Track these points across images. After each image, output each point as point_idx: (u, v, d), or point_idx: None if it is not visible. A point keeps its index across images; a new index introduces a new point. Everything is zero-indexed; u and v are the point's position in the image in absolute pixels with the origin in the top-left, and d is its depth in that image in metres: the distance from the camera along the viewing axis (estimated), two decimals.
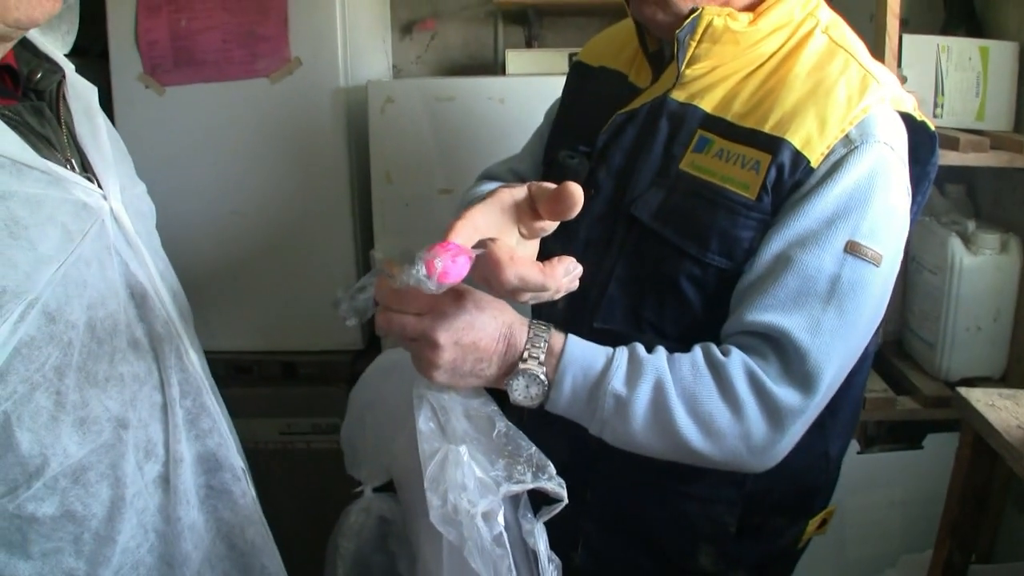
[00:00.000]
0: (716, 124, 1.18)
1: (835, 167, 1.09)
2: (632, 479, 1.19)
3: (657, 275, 1.19)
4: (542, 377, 1.01)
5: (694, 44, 1.17)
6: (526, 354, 1.01)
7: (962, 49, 2.08)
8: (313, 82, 2.25)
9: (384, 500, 1.34)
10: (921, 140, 1.18)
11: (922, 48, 2.07)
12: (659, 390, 1.03)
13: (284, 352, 2.38)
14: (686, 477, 1.09)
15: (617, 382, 1.03)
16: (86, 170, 1.08)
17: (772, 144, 1.11)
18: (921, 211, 1.24)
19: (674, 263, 1.17)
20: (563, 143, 1.37)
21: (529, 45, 2.79)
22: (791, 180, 1.11)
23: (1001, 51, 2.09)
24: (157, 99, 2.29)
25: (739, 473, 1.13)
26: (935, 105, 2.09)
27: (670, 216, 1.17)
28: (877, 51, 1.93)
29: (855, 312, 1.08)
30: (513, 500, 0.95)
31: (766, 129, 1.13)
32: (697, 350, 1.07)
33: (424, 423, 0.96)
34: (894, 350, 2.29)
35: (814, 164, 1.10)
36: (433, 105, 2.18)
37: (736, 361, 1.05)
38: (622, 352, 1.05)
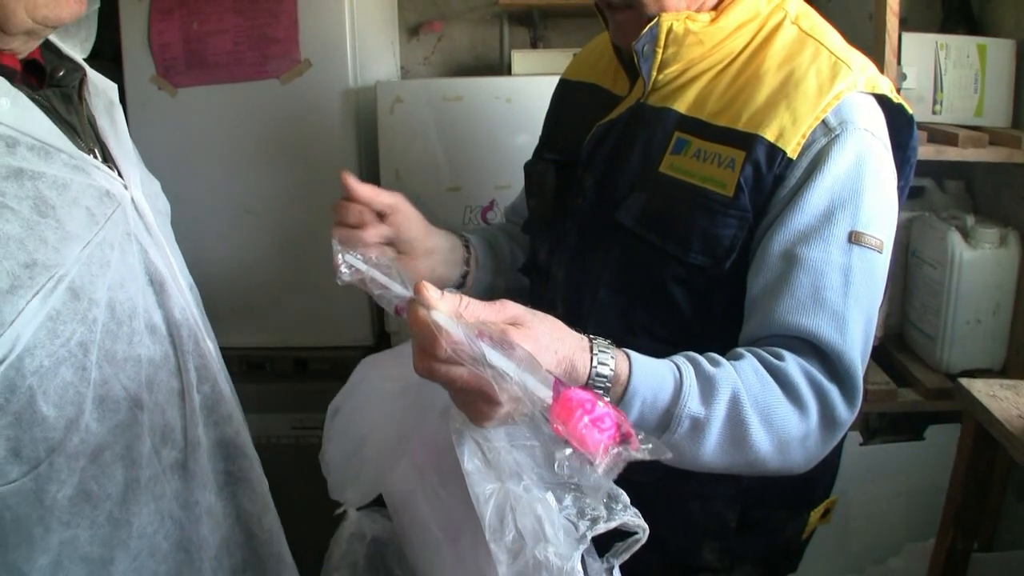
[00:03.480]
0: (692, 124, 1.17)
1: (819, 158, 1.08)
2: (632, 478, 1.16)
3: (645, 278, 1.18)
4: None
5: (660, 51, 1.16)
6: (590, 384, 0.91)
7: (960, 47, 2.09)
8: (323, 83, 2.25)
9: (374, 519, 1.29)
10: (899, 123, 1.17)
11: (921, 46, 2.07)
12: (734, 405, 0.98)
13: (296, 348, 2.38)
14: (684, 474, 1.05)
15: (692, 403, 0.97)
16: (106, 160, 1.11)
17: (745, 141, 1.10)
18: (906, 196, 1.23)
19: (660, 266, 1.16)
20: (543, 154, 1.40)
21: (534, 46, 2.79)
22: (771, 174, 1.10)
23: (998, 48, 2.10)
24: (170, 100, 2.30)
25: None
26: (934, 102, 2.09)
27: (653, 219, 1.17)
28: (877, 49, 1.93)
29: (868, 301, 1.08)
30: None
31: (739, 126, 1.12)
32: (750, 356, 1.04)
33: (469, 461, 0.85)
34: (895, 343, 2.30)
35: (792, 155, 1.09)
36: (441, 105, 2.18)
37: (792, 363, 1.03)
38: (687, 367, 0.99)
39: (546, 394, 0.78)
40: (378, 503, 1.26)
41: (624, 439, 0.77)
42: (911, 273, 2.22)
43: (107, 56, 2.36)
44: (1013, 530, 2.11)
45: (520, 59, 2.61)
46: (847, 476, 2.07)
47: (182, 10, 2.26)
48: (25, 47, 1.03)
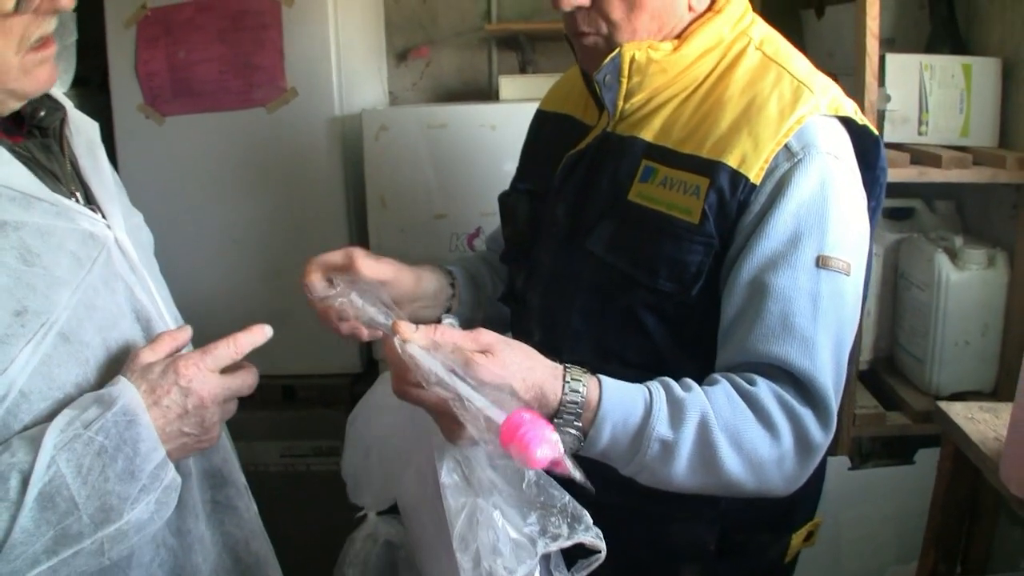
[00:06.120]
0: (658, 152, 1.21)
1: (782, 183, 1.12)
2: (612, 502, 1.15)
3: (616, 305, 1.23)
4: (577, 433, 1.01)
5: (625, 81, 1.20)
6: (561, 410, 1.00)
7: (945, 67, 2.12)
8: (309, 111, 2.32)
9: (389, 524, 1.35)
10: (866, 144, 1.21)
11: (905, 67, 2.11)
12: (703, 428, 1.04)
13: (284, 376, 2.43)
14: (663, 498, 1.11)
15: (661, 427, 1.03)
16: (90, 202, 1.14)
17: (709, 168, 1.15)
18: (878, 216, 1.27)
19: (629, 293, 1.21)
20: (517, 184, 1.46)
21: (523, 70, 2.85)
22: (735, 200, 1.14)
23: (983, 67, 2.13)
24: (157, 129, 2.37)
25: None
26: (920, 123, 2.12)
27: (622, 247, 1.22)
28: (858, 72, 1.98)
29: (839, 323, 1.12)
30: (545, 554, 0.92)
31: (703, 153, 1.16)
32: (723, 381, 1.09)
33: (447, 476, 0.94)
34: (885, 366, 2.33)
35: (755, 181, 1.13)
36: (426, 132, 2.24)
37: (764, 388, 1.08)
38: (659, 392, 1.05)
39: (499, 415, 0.88)
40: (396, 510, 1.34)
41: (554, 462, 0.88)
42: (900, 295, 2.25)
43: (94, 84, 2.44)
44: (1007, 553, 2.13)
45: (508, 84, 2.67)
46: (837, 500, 2.10)
47: (168, 39, 2.33)
48: (4, 108, 1.07)
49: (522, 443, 0.86)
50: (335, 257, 1.26)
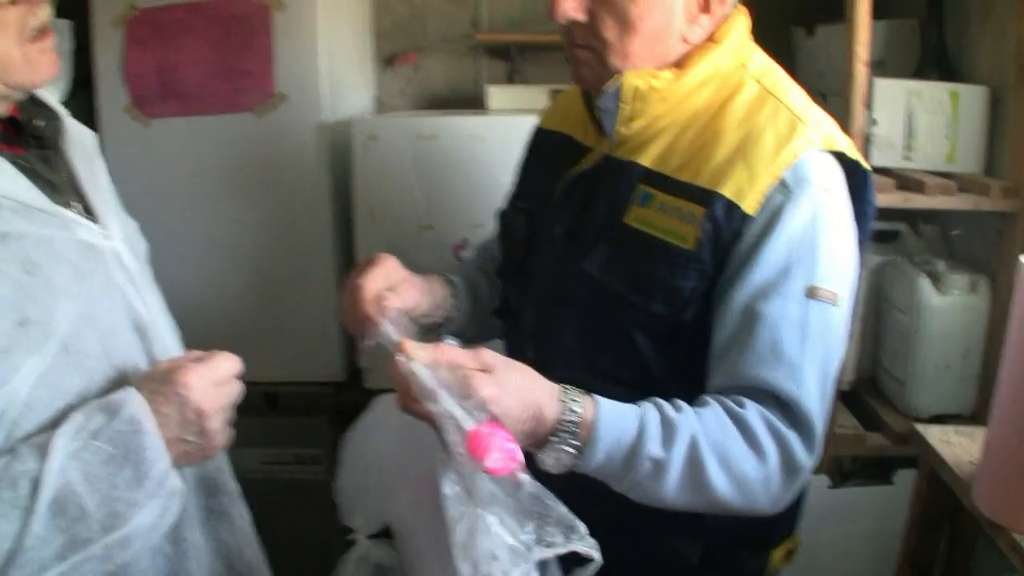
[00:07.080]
0: (656, 178, 1.27)
1: (776, 215, 1.19)
2: (597, 516, 1.17)
3: (609, 325, 1.30)
4: (573, 451, 1.07)
5: (625, 107, 1.26)
6: (558, 429, 1.07)
7: (932, 93, 2.17)
8: (297, 117, 2.35)
9: (380, 548, 1.39)
10: (857, 179, 1.28)
11: (893, 93, 2.16)
12: (693, 448, 1.10)
13: (266, 383, 2.45)
14: (647, 512, 1.17)
15: (654, 446, 1.09)
16: (88, 212, 1.18)
17: (705, 197, 1.21)
18: (866, 248, 1.33)
19: (622, 313, 1.27)
20: (516, 202, 1.52)
21: (511, 80, 2.90)
22: (729, 230, 1.20)
23: (970, 95, 2.18)
24: (143, 131, 2.40)
25: None
26: (906, 148, 2.18)
27: (617, 269, 1.28)
28: (845, 98, 2.04)
29: (825, 351, 1.19)
30: (542, 562, 0.97)
31: (700, 182, 1.23)
32: (713, 403, 1.16)
33: (449, 488, 1.00)
34: (867, 387, 2.38)
35: (749, 211, 1.19)
36: (415, 143, 2.28)
37: (753, 410, 1.15)
38: (652, 412, 1.12)
39: (470, 427, 0.98)
40: (389, 533, 1.38)
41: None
42: (883, 318, 2.30)
43: (79, 83, 2.44)
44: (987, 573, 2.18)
45: (496, 94, 2.71)
46: (816, 518, 2.12)
47: (156, 40, 2.36)
48: (2, 108, 1.11)
49: (477, 451, 0.95)
50: (380, 283, 1.32)
